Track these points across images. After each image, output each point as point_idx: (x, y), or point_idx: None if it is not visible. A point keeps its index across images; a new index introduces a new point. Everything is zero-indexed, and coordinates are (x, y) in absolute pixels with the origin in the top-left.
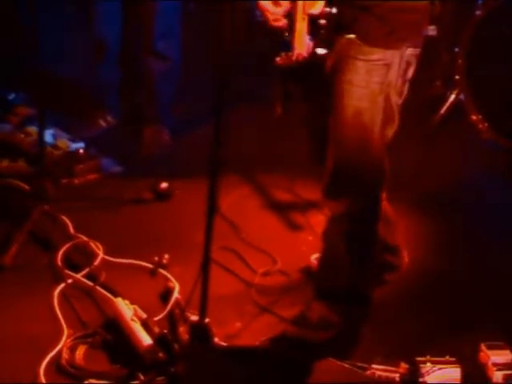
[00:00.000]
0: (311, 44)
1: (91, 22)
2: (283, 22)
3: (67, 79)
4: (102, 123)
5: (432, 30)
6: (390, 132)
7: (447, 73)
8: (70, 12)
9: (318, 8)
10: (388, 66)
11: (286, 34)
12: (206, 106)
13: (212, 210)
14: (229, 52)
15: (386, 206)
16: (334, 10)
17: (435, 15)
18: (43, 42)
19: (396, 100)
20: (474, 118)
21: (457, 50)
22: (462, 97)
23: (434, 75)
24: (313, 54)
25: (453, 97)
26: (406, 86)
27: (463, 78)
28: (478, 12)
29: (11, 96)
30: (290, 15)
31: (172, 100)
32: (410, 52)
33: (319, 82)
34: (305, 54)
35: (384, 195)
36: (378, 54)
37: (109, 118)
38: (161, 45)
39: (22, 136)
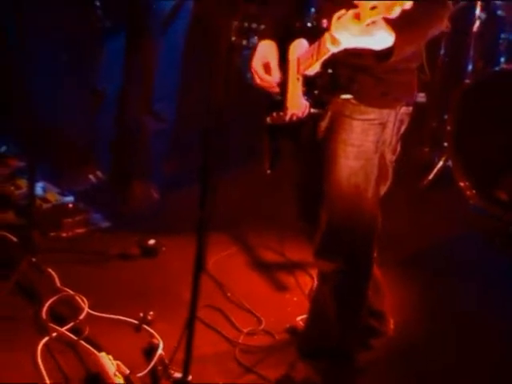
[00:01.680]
0: (307, 104)
1: (86, 70)
2: (276, 89)
3: (59, 130)
4: (92, 178)
5: (421, 97)
6: (383, 189)
7: (435, 139)
8: (63, 60)
9: (313, 69)
10: (383, 124)
11: (277, 96)
12: (196, 164)
13: (199, 267)
14: (219, 109)
15: (375, 269)
16: (330, 71)
17: (424, 82)
18: (36, 91)
19: (390, 158)
20: (462, 184)
21: (446, 117)
22: (449, 163)
23: (422, 141)
24: (309, 114)
25: (441, 163)
26: (399, 143)
27: (452, 144)
28: (466, 80)
29: (2, 148)
30: (283, 74)
31: (163, 157)
32: (403, 110)
33: (308, 140)
34: (300, 114)
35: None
36: (373, 114)
37: (98, 173)
38: (158, 106)
39: (12, 188)
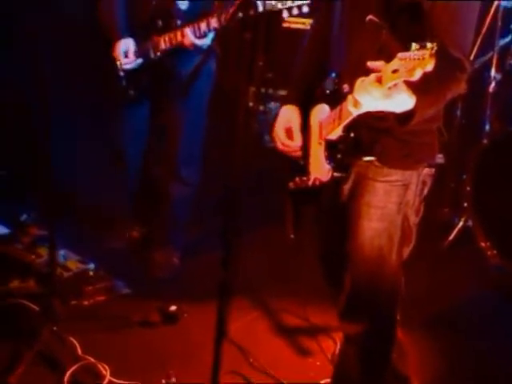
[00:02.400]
0: (330, 168)
1: (110, 135)
2: (298, 153)
3: (80, 194)
4: (113, 244)
5: (440, 158)
6: (406, 251)
7: (455, 200)
8: (85, 124)
9: (335, 133)
10: (406, 186)
11: (300, 160)
12: (217, 228)
13: (221, 333)
14: (239, 175)
15: (399, 332)
16: (352, 135)
17: (442, 143)
18: (57, 155)
19: (413, 219)
20: (483, 244)
21: (464, 177)
22: (470, 223)
23: (441, 202)
24: (332, 178)
25: (461, 223)
26: (422, 204)
27: (471, 205)
28: (484, 141)
29: (23, 217)
30: (305, 139)
31: (185, 220)
32: (425, 172)
33: (331, 203)
34: (324, 178)
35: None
36: (396, 175)
37: (120, 239)
38: (184, 171)
39: (33, 257)
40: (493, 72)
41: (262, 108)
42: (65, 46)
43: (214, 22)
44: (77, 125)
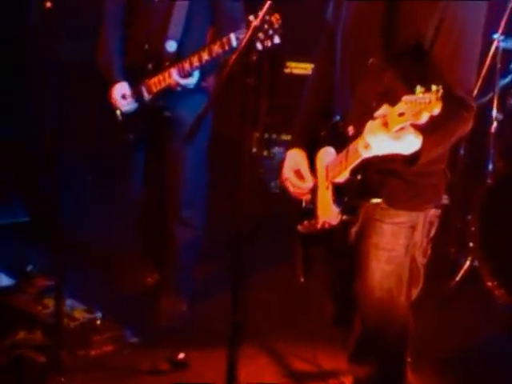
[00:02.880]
0: (338, 211)
1: (114, 184)
2: (307, 196)
3: (89, 241)
4: (123, 291)
5: (444, 199)
6: (415, 292)
7: (461, 240)
8: (89, 176)
9: (342, 176)
10: (413, 227)
11: (308, 204)
12: (224, 273)
13: (231, 380)
14: (246, 220)
15: (409, 374)
16: (359, 177)
17: (446, 184)
18: (64, 207)
19: (421, 260)
20: (490, 284)
21: (469, 217)
22: (476, 263)
23: (447, 242)
24: (341, 221)
25: (467, 263)
26: (430, 245)
27: (477, 244)
28: (488, 180)
29: (29, 267)
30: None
31: (192, 265)
32: (432, 213)
33: (340, 245)
34: (333, 222)
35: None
36: (403, 217)
37: (130, 286)
38: (187, 212)
39: (40, 308)
40: (494, 112)
41: (265, 153)
42: (65, 93)
43: (195, 61)
44: (86, 174)
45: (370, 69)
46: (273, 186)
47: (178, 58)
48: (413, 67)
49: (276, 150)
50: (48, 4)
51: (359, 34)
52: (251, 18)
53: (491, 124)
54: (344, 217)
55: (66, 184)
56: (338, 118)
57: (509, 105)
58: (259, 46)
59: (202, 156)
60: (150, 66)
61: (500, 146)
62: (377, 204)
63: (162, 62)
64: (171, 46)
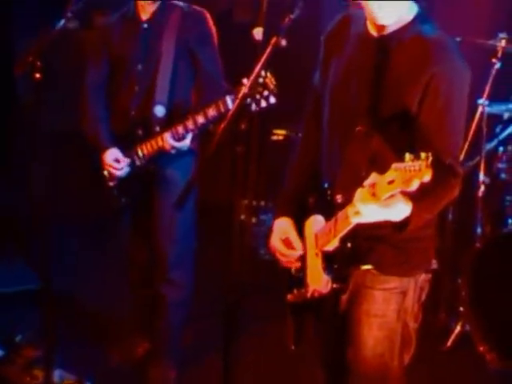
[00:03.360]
0: (328, 279)
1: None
2: (296, 264)
3: (78, 310)
4: (111, 363)
5: (434, 264)
6: (407, 358)
7: (451, 304)
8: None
9: (332, 244)
10: (404, 293)
11: (297, 272)
12: (214, 334)
13: None
14: (235, 286)
15: None
16: (349, 244)
17: (435, 248)
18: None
19: (413, 325)
20: (482, 348)
21: (459, 281)
22: (467, 328)
23: (437, 307)
24: (331, 289)
25: (458, 328)
26: (421, 310)
27: (467, 309)
28: (477, 244)
29: (18, 337)
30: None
31: (180, 327)
32: (423, 278)
33: (331, 313)
34: (323, 290)
35: None
36: (394, 282)
37: (118, 358)
38: (174, 273)
39: (28, 379)
40: (481, 176)
41: (254, 220)
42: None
43: (190, 124)
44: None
45: (358, 135)
46: (262, 253)
47: (167, 121)
48: (400, 134)
49: (265, 216)
50: (37, 75)
51: (347, 101)
52: (244, 80)
53: (478, 188)
54: (334, 285)
55: (56, 251)
56: (326, 185)
57: (495, 168)
58: (254, 107)
59: (191, 217)
60: (139, 131)
61: (488, 210)
62: (367, 270)
63: (151, 127)
64: (159, 110)
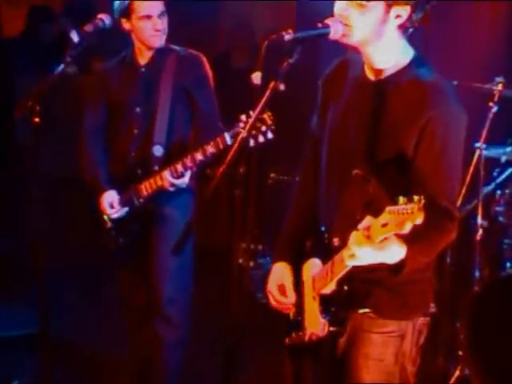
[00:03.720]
0: (325, 323)
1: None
2: (292, 310)
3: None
4: None
5: (432, 308)
6: None
7: (449, 349)
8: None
9: (329, 288)
10: (402, 336)
11: (295, 316)
12: (215, 375)
13: None
14: (234, 329)
15: None
16: (346, 288)
17: (434, 292)
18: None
19: (411, 369)
20: None
21: (458, 325)
22: (466, 372)
23: (436, 352)
24: (329, 333)
25: (457, 372)
26: (419, 354)
27: (466, 353)
28: (475, 288)
29: (15, 382)
30: (299, 295)
31: (179, 368)
32: (421, 321)
33: (329, 356)
34: (320, 333)
35: None
36: (392, 326)
37: None
38: (169, 309)
39: None
40: (479, 219)
41: (252, 264)
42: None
43: (188, 162)
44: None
45: (355, 179)
46: (259, 297)
47: (165, 161)
48: (396, 177)
49: (262, 260)
50: (36, 119)
51: (344, 145)
52: (243, 117)
53: (476, 231)
54: (332, 328)
55: (55, 295)
56: (323, 228)
57: (493, 212)
58: (252, 142)
59: (189, 255)
60: (138, 171)
61: (486, 253)
62: (364, 314)
63: (150, 166)
64: (158, 150)
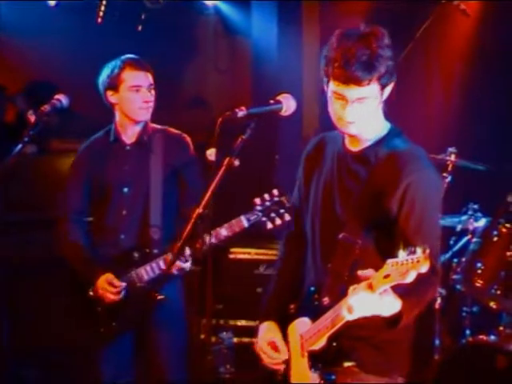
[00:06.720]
0: (314, 378)
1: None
2: (282, 366)
3: None
4: None
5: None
6: None
7: None
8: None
9: (319, 344)
10: None
11: (280, 376)
12: None
13: None
14: None
15: None
16: (334, 344)
17: None
18: None
19: None
20: None
21: None
22: None
23: None
24: None
25: None
26: None
27: None
28: (436, 356)
29: None
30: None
31: None
32: (399, 381)
33: None
34: None
35: None
36: (373, 381)
37: None
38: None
39: None
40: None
41: (213, 339)
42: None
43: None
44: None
45: (341, 242)
46: (222, 371)
47: (163, 243)
48: (381, 239)
49: (224, 335)
50: None
51: (329, 212)
52: (257, 200)
53: (435, 300)
54: (322, 382)
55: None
56: (312, 289)
57: (451, 280)
58: (270, 225)
59: (184, 327)
60: (135, 255)
61: (445, 322)
62: (348, 367)
63: (149, 250)
64: (156, 233)
